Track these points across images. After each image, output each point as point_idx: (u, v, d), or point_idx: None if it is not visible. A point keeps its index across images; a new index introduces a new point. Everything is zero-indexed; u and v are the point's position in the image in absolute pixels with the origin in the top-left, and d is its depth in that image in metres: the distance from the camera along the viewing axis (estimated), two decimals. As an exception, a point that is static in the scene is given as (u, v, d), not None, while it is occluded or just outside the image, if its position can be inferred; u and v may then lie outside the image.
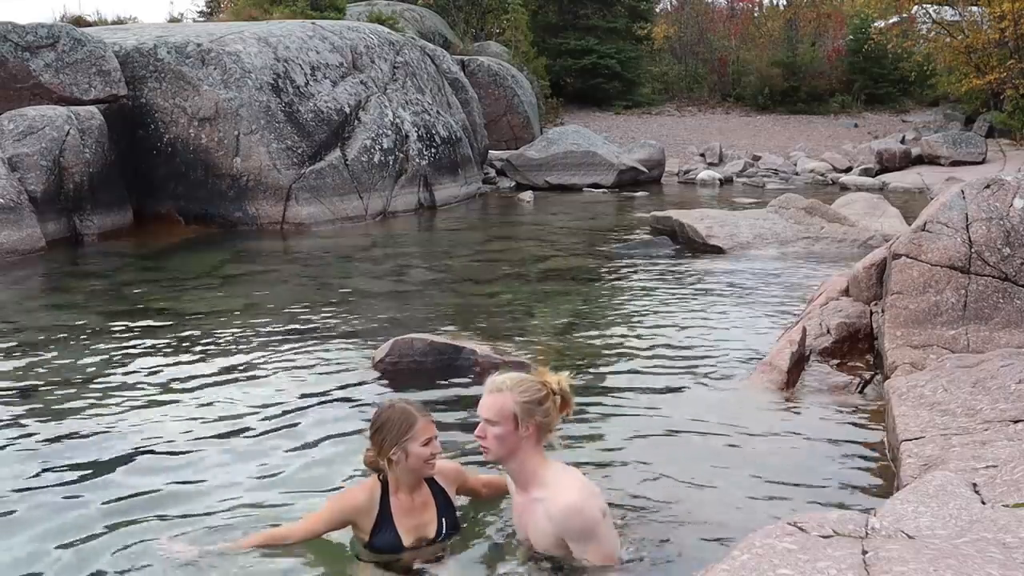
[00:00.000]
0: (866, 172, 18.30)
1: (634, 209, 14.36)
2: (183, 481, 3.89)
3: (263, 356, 5.83)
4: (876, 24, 25.58)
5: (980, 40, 20.49)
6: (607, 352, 5.85)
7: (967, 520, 2.49)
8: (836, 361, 5.21)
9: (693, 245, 9.79)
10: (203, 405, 4.89)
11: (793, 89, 27.64)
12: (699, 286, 7.96)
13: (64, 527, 3.45)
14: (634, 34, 29.18)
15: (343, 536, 3.21)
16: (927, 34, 24.41)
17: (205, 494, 3.75)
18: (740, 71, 29.30)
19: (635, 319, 6.83)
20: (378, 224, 12.58)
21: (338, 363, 5.63)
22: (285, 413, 4.73)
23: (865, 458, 4.03)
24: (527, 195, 15.53)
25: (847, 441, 4.22)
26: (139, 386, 5.23)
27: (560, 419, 3.00)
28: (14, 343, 6.28)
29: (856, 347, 5.31)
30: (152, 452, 4.21)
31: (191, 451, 4.22)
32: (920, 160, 18.70)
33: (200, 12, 29.90)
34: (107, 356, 5.90)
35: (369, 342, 6.06)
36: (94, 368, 5.61)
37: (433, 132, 14.27)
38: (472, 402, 4.77)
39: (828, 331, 5.36)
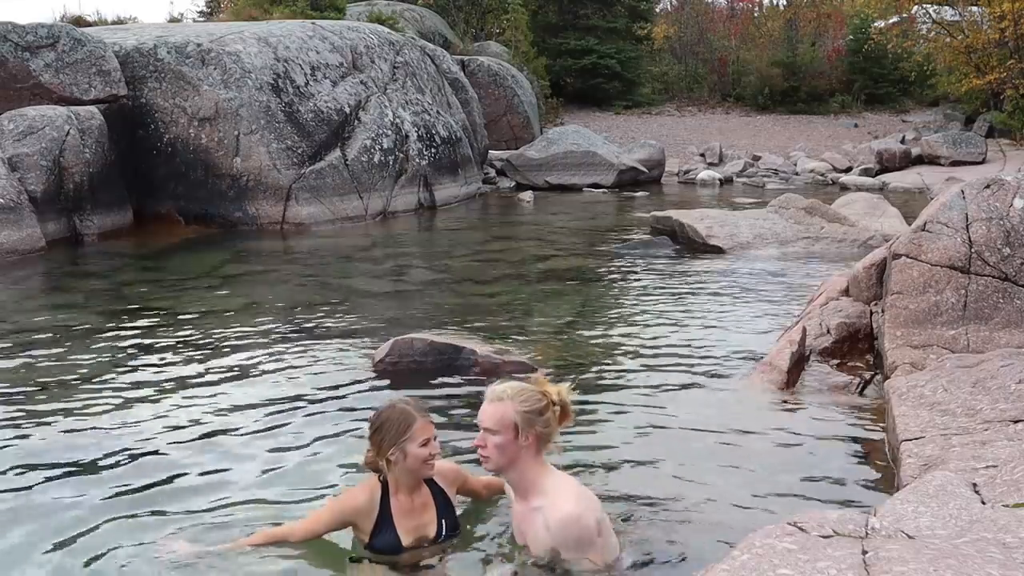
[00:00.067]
0: (866, 172, 18.30)
1: (634, 209, 14.36)
2: (183, 480, 3.89)
3: (263, 356, 5.83)
4: (876, 24, 25.58)
5: (980, 40, 20.49)
6: (607, 352, 5.85)
7: (967, 520, 2.49)
8: (836, 361, 5.21)
9: (693, 245, 9.79)
10: (202, 405, 4.88)
11: (793, 89, 27.65)
12: (699, 286, 7.96)
13: (63, 526, 3.45)
14: (634, 34, 29.19)
15: (343, 536, 3.21)
16: (927, 34, 24.41)
17: (204, 493, 3.75)
18: (740, 71, 29.30)
19: (635, 319, 6.83)
20: (378, 224, 12.58)
21: (338, 363, 5.63)
22: (285, 413, 4.73)
23: (865, 458, 4.03)
24: (527, 195, 15.53)
25: (847, 441, 4.23)
26: (139, 385, 5.23)
27: (560, 430, 3.01)
28: (14, 343, 6.28)
29: (856, 347, 5.31)
30: (152, 451, 4.21)
31: (190, 450, 4.22)
32: (920, 160, 18.71)
33: (200, 12, 29.91)
34: (107, 356, 5.90)
35: (369, 342, 6.06)
36: (93, 368, 5.61)
37: (433, 132, 14.27)
38: (472, 402, 4.79)
39: (828, 331, 5.36)
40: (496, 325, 6.60)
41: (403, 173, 13.40)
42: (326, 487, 3.77)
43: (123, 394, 5.07)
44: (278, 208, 11.90)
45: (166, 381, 5.32)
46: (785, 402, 4.71)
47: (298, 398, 4.96)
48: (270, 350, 5.97)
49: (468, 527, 3.29)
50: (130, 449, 4.25)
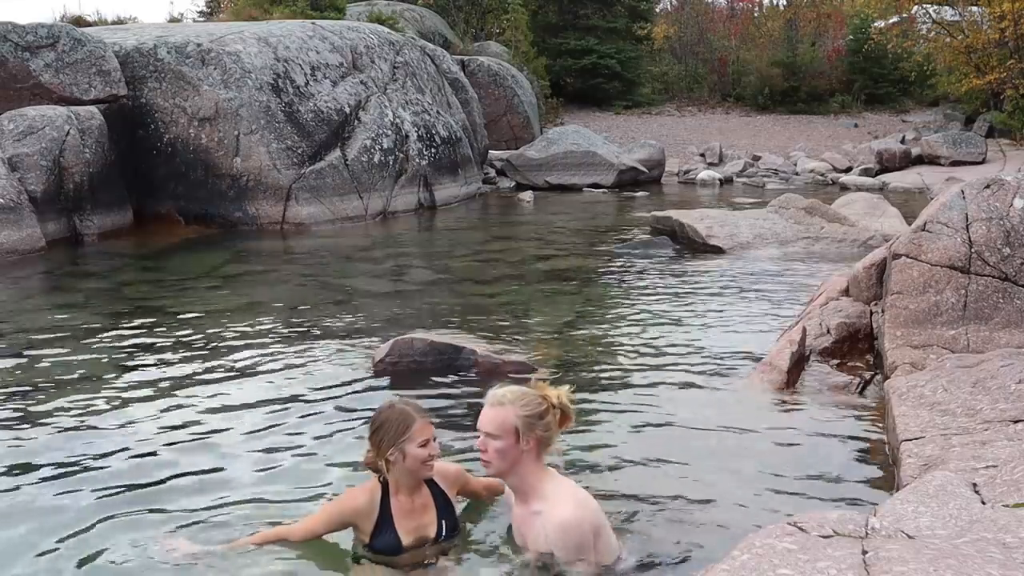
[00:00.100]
0: (866, 172, 18.30)
1: (634, 209, 14.36)
2: (182, 479, 3.89)
3: (262, 356, 5.83)
4: (876, 24, 25.59)
5: (980, 40, 20.49)
6: (607, 352, 5.85)
7: (967, 520, 2.49)
8: (836, 361, 5.21)
9: (693, 245, 9.79)
10: (202, 404, 4.88)
11: (793, 89, 27.66)
12: (699, 286, 7.96)
13: (63, 525, 3.45)
14: (634, 34, 29.19)
15: (343, 536, 3.21)
16: (927, 34, 24.42)
17: (204, 492, 3.75)
18: (740, 71, 29.31)
19: (635, 319, 6.83)
20: (378, 224, 12.58)
21: (338, 363, 5.63)
22: (284, 412, 4.73)
23: (865, 458, 4.03)
24: (527, 195, 15.53)
25: (847, 441, 4.22)
26: (138, 385, 5.23)
27: (560, 434, 3.01)
28: (14, 343, 6.28)
29: (856, 347, 5.31)
30: (151, 451, 4.21)
31: (190, 450, 4.22)
32: (920, 160, 18.71)
33: (200, 12, 29.92)
34: (106, 356, 5.90)
35: (369, 342, 6.06)
36: (93, 367, 5.61)
37: (433, 132, 14.27)
38: (472, 402, 4.79)
39: (828, 331, 5.36)
40: (496, 325, 6.60)
41: (403, 173, 13.40)
42: (325, 487, 3.77)
43: (123, 394, 5.07)
44: (278, 208, 11.91)
45: (166, 381, 5.32)
46: (785, 402, 4.71)
47: (298, 398, 4.96)
48: (270, 350, 5.97)
49: (468, 528, 3.29)
50: (130, 448, 4.25)
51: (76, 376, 5.43)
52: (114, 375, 5.46)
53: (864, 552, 2.16)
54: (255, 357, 5.81)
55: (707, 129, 24.93)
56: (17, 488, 3.81)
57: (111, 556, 3.23)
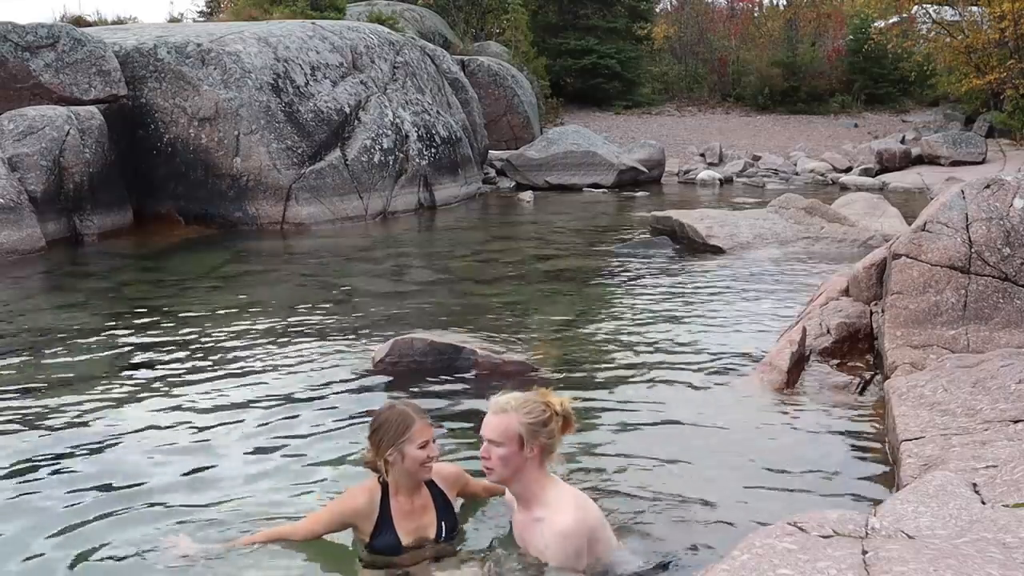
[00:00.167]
0: (866, 172, 18.30)
1: (634, 209, 14.36)
2: (182, 479, 3.89)
3: (262, 356, 5.83)
4: (876, 24, 25.59)
5: (980, 40, 20.49)
6: (607, 352, 5.85)
7: (967, 520, 2.49)
8: (836, 361, 5.21)
9: (693, 245, 9.79)
10: (201, 404, 4.89)
11: (793, 89, 27.66)
12: (699, 286, 7.96)
13: (64, 524, 3.46)
14: (634, 34, 29.19)
15: (343, 536, 3.21)
16: (927, 34, 24.42)
17: (204, 492, 3.75)
18: (740, 71, 29.31)
19: (635, 319, 6.83)
20: (378, 224, 12.58)
21: (338, 363, 5.63)
22: (284, 412, 4.73)
23: (865, 458, 4.03)
24: (527, 195, 15.53)
25: (847, 441, 4.22)
26: (138, 385, 5.23)
27: (562, 440, 3.02)
28: (14, 342, 6.28)
29: (856, 347, 5.31)
30: (152, 451, 4.22)
31: (189, 449, 4.23)
32: (920, 160, 18.71)
33: (200, 12, 29.91)
34: (107, 356, 5.90)
35: (369, 342, 6.06)
36: (93, 367, 5.61)
37: (433, 132, 14.27)
38: (472, 403, 4.79)
39: (828, 331, 5.36)
40: (496, 325, 6.59)
41: (403, 173, 13.40)
42: (325, 487, 3.77)
43: (122, 393, 5.07)
44: (278, 208, 11.91)
45: (165, 380, 5.32)
46: (785, 402, 4.71)
47: (298, 398, 4.96)
48: (269, 350, 5.97)
49: (467, 528, 3.29)
50: (130, 448, 4.25)
51: (76, 376, 5.43)
52: (114, 375, 5.46)
53: (864, 552, 2.16)
54: (255, 357, 5.81)
55: (707, 129, 24.93)
56: (16, 486, 3.81)
57: (111, 554, 3.23)
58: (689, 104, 29.04)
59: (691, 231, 9.91)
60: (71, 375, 5.46)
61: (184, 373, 5.47)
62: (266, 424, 4.56)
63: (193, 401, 4.95)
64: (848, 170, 18.83)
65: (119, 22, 23.40)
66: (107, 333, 6.50)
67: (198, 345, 6.13)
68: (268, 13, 18.77)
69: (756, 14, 35.46)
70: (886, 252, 5.44)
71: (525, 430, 2.87)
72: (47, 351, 6.03)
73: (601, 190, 16.95)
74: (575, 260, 9.63)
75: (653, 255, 9.58)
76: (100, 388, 5.18)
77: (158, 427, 4.53)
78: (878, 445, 4.14)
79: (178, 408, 4.84)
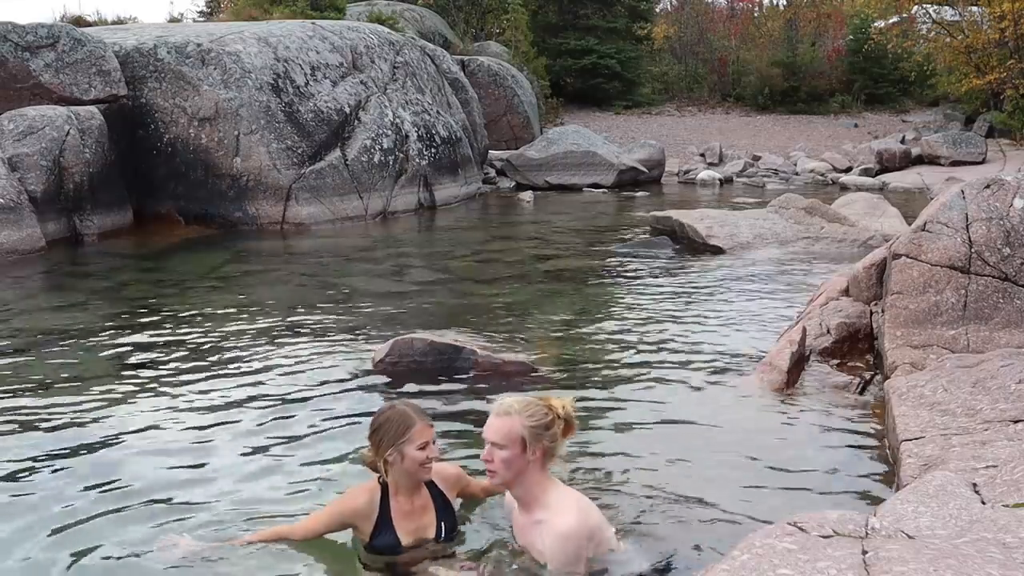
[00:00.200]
0: (866, 172, 18.30)
1: (634, 209, 14.36)
2: (182, 478, 3.89)
3: (262, 355, 5.83)
4: (876, 24, 25.60)
5: (980, 40, 20.50)
6: (606, 352, 5.85)
7: (967, 520, 2.49)
8: (836, 361, 5.21)
9: (693, 245, 9.79)
10: (201, 403, 4.89)
11: (793, 89, 27.66)
12: (699, 286, 7.96)
13: (65, 523, 3.46)
14: (634, 34, 29.20)
15: (343, 536, 3.22)
16: (927, 34, 24.43)
17: (203, 491, 3.75)
18: (740, 71, 29.32)
19: (635, 319, 6.83)
20: (378, 224, 12.58)
21: (338, 363, 5.63)
22: (284, 412, 4.73)
23: (865, 458, 4.03)
24: (527, 195, 15.53)
25: (847, 441, 4.22)
26: (138, 385, 5.23)
27: (564, 444, 3.03)
28: (14, 342, 6.28)
29: (856, 347, 5.31)
30: (152, 450, 4.22)
31: (190, 449, 4.23)
32: (920, 160, 18.72)
33: (200, 12, 29.92)
34: (107, 356, 5.90)
35: (369, 342, 6.06)
36: (93, 367, 5.61)
37: (433, 132, 14.27)
38: (472, 403, 4.79)
39: (828, 331, 5.36)
40: (496, 325, 6.59)
41: (403, 173, 13.40)
42: (325, 486, 3.77)
43: (122, 393, 5.07)
44: (278, 208, 11.91)
45: (165, 380, 5.32)
46: (785, 402, 4.71)
47: (297, 397, 4.96)
48: (269, 350, 5.97)
49: (467, 529, 3.29)
50: (129, 447, 4.25)
51: (76, 376, 5.43)
52: (114, 375, 5.46)
53: (864, 552, 2.16)
54: (254, 357, 5.81)
55: (707, 129, 24.94)
56: (16, 486, 3.82)
57: (111, 553, 3.24)
58: (689, 104, 29.04)
59: (691, 231, 9.91)
60: (71, 375, 5.46)
61: (184, 373, 5.47)
62: (266, 424, 4.57)
63: (193, 401, 4.95)
64: (848, 170, 18.84)
65: (119, 22, 23.41)
66: (107, 333, 6.50)
67: (198, 345, 6.13)
68: (268, 13, 18.77)
69: (756, 14, 35.47)
70: (886, 252, 5.44)
71: (528, 433, 2.87)
72: (47, 351, 6.03)
73: (601, 190, 16.95)
74: (575, 260, 9.63)
75: (653, 255, 9.58)
76: (100, 388, 5.18)
77: (158, 427, 4.54)
78: (878, 445, 4.14)
79: (178, 408, 4.84)
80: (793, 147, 22.03)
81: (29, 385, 5.27)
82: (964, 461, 3.26)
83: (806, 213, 10.24)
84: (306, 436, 4.39)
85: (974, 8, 21.42)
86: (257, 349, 6.00)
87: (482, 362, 5.33)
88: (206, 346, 6.11)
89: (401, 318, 6.93)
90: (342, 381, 5.25)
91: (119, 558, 3.21)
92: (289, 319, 6.89)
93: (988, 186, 5.06)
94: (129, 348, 6.09)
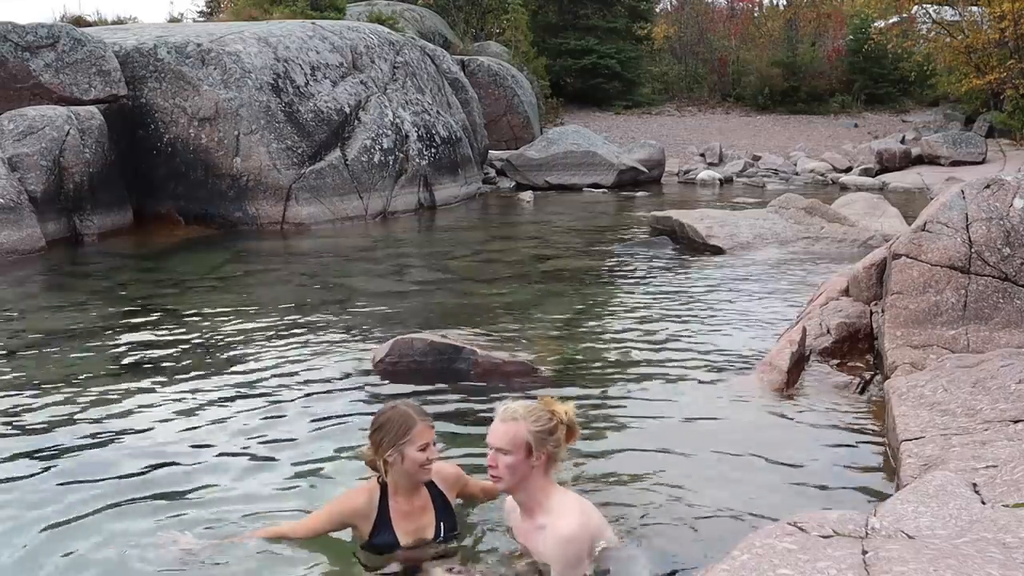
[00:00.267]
0: (866, 172, 18.31)
1: (634, 209, 14.36)
2: (182, 477, 3.89)
3: (262, 356, 5.83)
4: (876, 24, 25.60)
5: (980, 40, 20.50)
6: (607, 352, 5.85)
7: (967, 520, 2.49)
8: (836, 361, 5.21)
9: (693, 245, 9.79)
10: (201, 404, 4.89)
11: (793, 89, 27.67)
12: (699, 286, 7.96)
13: (66, 522, 3.46)
14: (634, 34, 29.20)
15: (343, 535, 3.22)
16: (927, 34, 24.43)
17: (203, 490, 3.76)
18: (740, 71, 29.32)
19: (635, 319, 6.83)
20: (378, 224, 12.58)
21: (338, 363, 5.63)
22: (284, 412, 4.73)
23: (865, 458, 4.03)
24: (527, 195, 15.53)
25: (847, 441, 4.22)
26: (138, 385, 5.23)
27: (566, 449, 3.04)
28: (14, 343, 6.28)
29: (856, 347, 5.31)
30: (150, 450, 4.21)
31: (190, 449, 4.22)
32: (920, 160, 18.72)
33: (200, 12, 29.92)
34: (106, 356, 5.90)
35: (369, 342, 6.06)
36: (93, 367, 5.61)
37: (433, 132, 14.27)
38: (471, 403, 4.79)
39: (828, 331, 5.36)
40: (496, 325, 6.59)
41: (403, 173, 13.40)
42: (324, 486, 3.77)
43: (122, 393, 5.07)
44: (278, 208, 11.91)
45: (165, 380, 5.32)
46: (785, 402, 4.71)
47: (297, 397, 4.96)
48: (269, 350, 5.97)
49: (466, 529, 3.29)
50: (129, 447, 4.25)
51: (75, 375, 5.43)
52: (113, 375, 5.46)
53: (864, 552, 2.16)
54: (254, 356, 5.81)
55: (707, 129, 24.93)
56: (15, 485, 3.81)
57: (113, 550, 3.24)
58: (689, 104, 29.04)
59: (691, 231, 9.91)
60: (70, 374, 5.45)
61: (183, 372, 5.47)
62: (265, 423, 4.56)
63: (192, 400, 4.95)
64: (848, 170, 18.84)
65: (119, 22, 23.41)
66: (107, 333, 6.50)
67: (197, 345, 6.13)
68: (268, 13, 18.77)
69: (756, 14, 35.47)
70: (886, 252, 5.44)
71: (533, 438, 2.89)
72: (47, 351, 6.03)
73: (601, 190, 16.95)
74: (575, 260, 9.63)
75: (653, 255, 9.59)
76: (100, 388, 5.18)
77: (157, 426, 4.53)
78: (878, 445, 4.14)
79: (177, 407, 4.84)
80: (793, 147, 22.03)
81: (29, 384, 5.27)
82: (964, 461, 3.26)
83: (806, 213, 10.24)
84: (306, 436, 4.38)
85: (974, 8, 21.42)
86: (257, 349, 6.00)
87: (482, 362, 5.33)
88: (205, 346, 6.11)
89: (401, 318, 6.93)
90: (342, 381, 5.25)
91: (117, 555, 3.21)
92: (289, 319, 6.89)
93: (988, 186, 5.06)
94: (129, 348, 6.09)
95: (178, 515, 3.52)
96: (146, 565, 3.14)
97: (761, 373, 4.97)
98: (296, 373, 5.43)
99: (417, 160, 13.66)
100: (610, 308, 7.36)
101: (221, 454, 4.18)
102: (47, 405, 4.88)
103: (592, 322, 6.79)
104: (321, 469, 3.99)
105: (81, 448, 4.25)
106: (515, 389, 4.99)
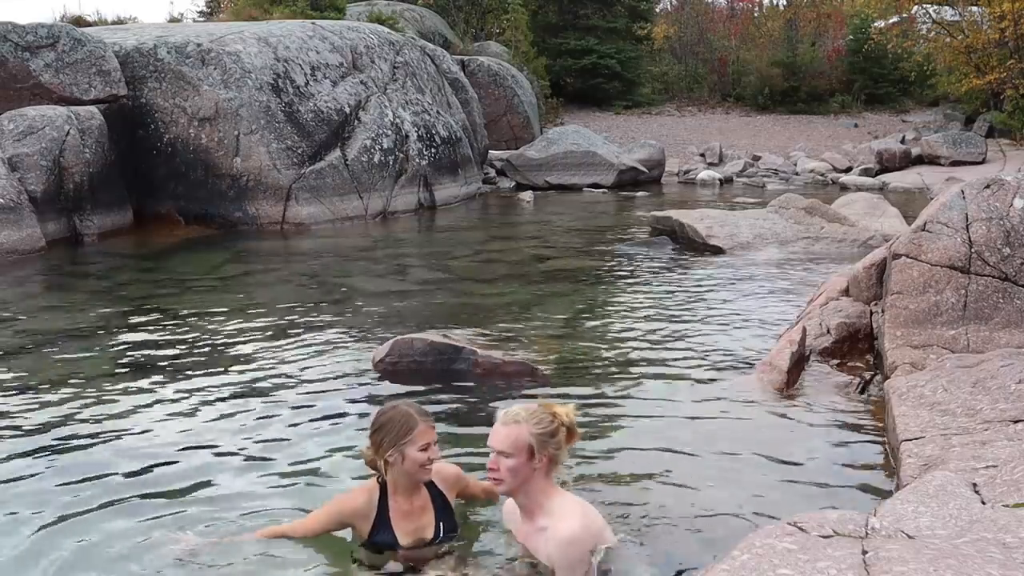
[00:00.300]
0: (866, 172, 18.31)
1: (634, 209, 14.36)
2: (181, 476, 3.89)
3: (263, 356, 5.83)
4: (876, 24, 25.60)
5: (980, 40, 20.50)
6: (606, 352, 5.85)
7: (967, 520, 2.49)
8: (836, 361, 5.21)
9: (693, 245, 9.79)
10: (201, 404, 4.89)
11: (793, 89, 27.66)
12: (699, 286, 7.96)
13: (67, 521, 3.47)
14: (634, 34, 29.19)
15: (343, 535, 3.22)
16: (927, 34, 24.43)
17: (203, 490, 3.76)
18: (740, 71, 29.32)
19: (634, 319, 6.83)
20: (378, 224, 12.58)
21: (338, 363, 5.63)
22: (283, 412, 4.73)
23: (865, 458, 4.03)
24: (527, 195, 15.53)
25: (847, 441, 4.23)
26: (139, 386, 5.23)
27: (567, 451, 3.04)
28: (14, 343, 6.28)
29: (856, 347, 5.31)
30: (151, 449, 4.22)
31: (189, 448, 4.23)
32: (920, 160, 18.72)
33: (200, 12, 29.92)
34: (106, 355, 5.90)
35: (369, 342, 6.06)
36: (93, 367, 5.61)
37: (433, 132, 14.27)
38: (472, 403, 4.79)
39: (828, 331, 5.36)
40: (496, 325, 6.59)
41: (403, 173, 13.40)
42: (324, 486, 3.77)
43: (122, 393, 5.07)
44: (278, 208, 11.91)
45: (164, 380, 5.32)
46: (785, 402, 4.71)
47: (297, 397, 4.96)
48: (269, 349, 5.97)
49: (465, 529, 3.29)
50: (129, 447, 4.25)
51: (75, 375, 5.43)
52: (114, 374, 5.46)
53: (864, 552, 2.17)
54: (254, 356, 5.81)
55: (707, 129, 24.93)
56: (19, 487, 3.81)
57: (113, 549, 3.24)
58: (689, 104, 29.04)
59: (691, 231, 9.91)
60: (70, 374, 5.45)
61: (183, 372, 5.47)
62: (265, 423, 4.56)
63: (191, 400, 4.95)
64: (848, 170, 18.84)
65: (119, 22, 23.41)
66: (107, 333, 6.50)
67: (197, 345, 6.13)
68: (268, 13, 18.77)
69: (756, 14, 35.47)
70: (886, 252, 5.44)
71: (535, 441, 2.89)
72: (47, 351, 6.03)
73: (601, 190, 16.95)
74: (575, 260, 9.63)
75: (653, 255, 9.59)
76: (100, 387, 5.18)
77: (157, 426, 4.53)
78: (878, 445, 4.14)
79: (177, 407, 4.84)
80: (793, 147, 22.03)
81: (28, 384, 5.27)
82: (964, 461, 3.26)
83: (806, 213, 10.24)
84: (305, 435, 4.38)
85: (974, 8, 21.42)
86: (256, 349, 6.00)
87: (482, 362, 5.33)
88: (205, 346, 6.11)
89: (401, 318, 6.93)
90: (342, 381, 5.25)
91: (117, 554, 3.21)
92: (289, 319, 6.89)
93: (988, 186, 5.07)
94: (128, 348, 6.09)
95: (177, 514, 3.52)
96: (146, 564, 3.14)
97: (761, 373, 4.97)
98: (296, 373, 5.43)
99: (417, 160, 13.66)
100: (610, 308, 7.36)
101: (220, 454, 4.18)
102: (47, 405, 4.88)
103: (592, 322, 6.79)
104: (321, 469, 3.99)
105: (81, 447, 4.25)
106: (515, 389, 4.99)
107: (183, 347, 6.08)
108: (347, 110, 12.92)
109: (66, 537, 3.35)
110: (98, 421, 4.62)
